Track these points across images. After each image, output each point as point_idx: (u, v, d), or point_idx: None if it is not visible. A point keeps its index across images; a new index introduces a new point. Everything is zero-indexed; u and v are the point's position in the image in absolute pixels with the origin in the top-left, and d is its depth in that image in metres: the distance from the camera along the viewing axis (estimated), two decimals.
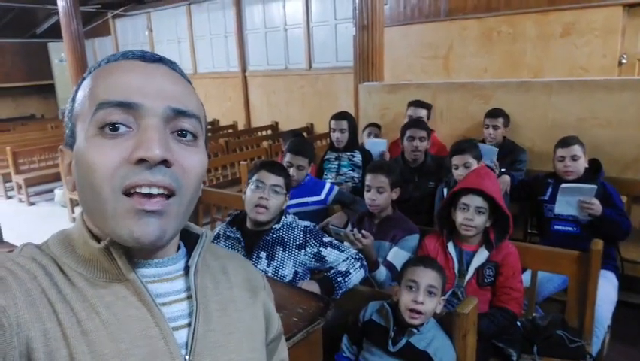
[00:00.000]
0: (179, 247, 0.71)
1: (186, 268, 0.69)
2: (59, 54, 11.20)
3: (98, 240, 0.62)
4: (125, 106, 0.59)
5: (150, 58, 0.65)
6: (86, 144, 0.60)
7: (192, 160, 0.62)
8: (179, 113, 0.62)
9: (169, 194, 0.60)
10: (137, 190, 0.58)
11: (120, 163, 0.58)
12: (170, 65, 0.66)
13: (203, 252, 0.70)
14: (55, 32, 9.64)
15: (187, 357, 0.63)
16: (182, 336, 0.64)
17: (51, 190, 6.52)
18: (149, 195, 0.58)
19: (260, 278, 0.82)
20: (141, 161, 0.57)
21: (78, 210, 5.41)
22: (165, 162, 0.58)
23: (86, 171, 0.59)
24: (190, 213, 0.66)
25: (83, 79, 0.65)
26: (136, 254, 0.64)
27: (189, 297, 0.67)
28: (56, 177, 6.26)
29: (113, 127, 0.59)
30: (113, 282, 0.62)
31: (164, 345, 0.61)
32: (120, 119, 0.59)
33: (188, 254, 0.70)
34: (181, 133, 0.62)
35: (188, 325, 0.65)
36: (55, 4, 7.37)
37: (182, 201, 0.62)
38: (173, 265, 0.68)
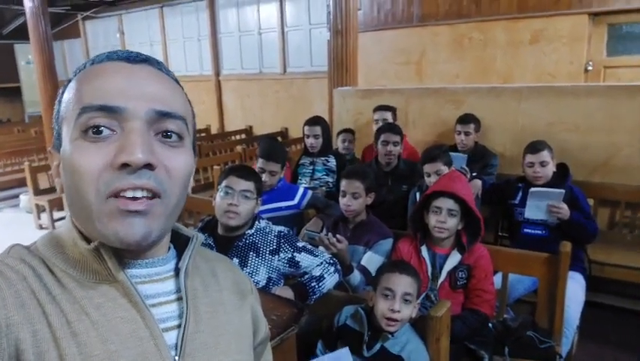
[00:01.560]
0: (169, 249, 0.71)
1: (176, 270, 0.69)
2: (26, 56, 10.89)
3: (88, 241, 0.62)
4: (108, 110, 0.59)
5: (135, 58, 0.64)
6: (70, 148, 0.60)
7: (177, 161, 0.62)
8: (164, 115, 0.62)
9: (153, 197, 0.60)
10: (122, 194, 0.58)
11: (104, 167, 0.58)
12: (157, 65, 0.66)
13: (194, 254, 0.71)
14: (22, 33, 9.35)
15: (177, 358, 0.63)
16: (171, 337, 0.64)
17: (16, 196, 6.32)
18: (133, 198, 0.58)
19: (247, 282, 0.82)
20: (124, 165, 0.57)
21: (44, 216, 5.26)
22: (149, 166, 0.58)
23: (71, 174, 0.59)
24: (178, 215, 0.66)
25: (69, 81, 0.65)
26: (126, 254, 0.64)
27: (179, 298, 0.67)
28: (21, 183, 6.06)
29: (97, 130, 0.59)
30: (103, 283, 0.62)
31: (154, 346, 0.61)
32: (103, 123, 0.59)
33: (178, 256, 0.71)
34: (166, 134, 0.62)
35: (178, 326, 0.65)
36: (22, 4, 7.17)
37: (167, 203, 0.62)
38: (163, 266, 0.68)
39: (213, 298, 0.72)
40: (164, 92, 0.63)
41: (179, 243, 0.72)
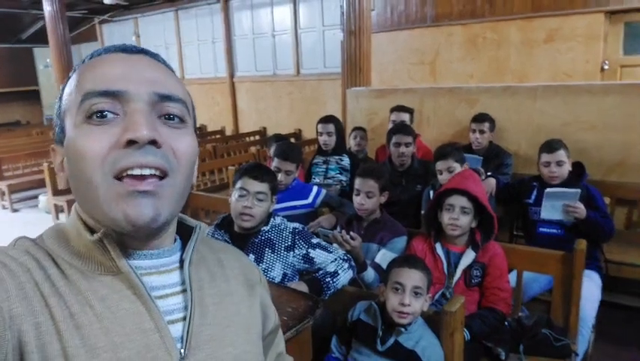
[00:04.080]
0: (175, 240, 0.71)
1: (182, 261, 0.69)
2: (45, 59, 11.10)
3: (92, 232, 0.62)
4: (111, 94, 0.59)
5: (132, 50, 0.66)
6: (74, 133, 0.60)
7: (182, 142, 0.63)
8: (165, 98, 0.62)
9: (161, 175, 0.60)
10: (129, 173, 0.58)
11: (110, 148, 0.58)
12: (153, 55, 0.67)
13: (198, 244, 0.70)
14: (40, 37, 9.55)
15: (182, 351, 0.62)
16: (177, 330, 0.64)
17: (35, 197, 6.43)
18: (141, 177, 0.58)
19: (256, 271, 0.82)
20: (130, 143, 0.58)
21: (63, 216, 5.35)
22: (154, 143, 0.59)
23: (77, 159, 0.59)
24: (185, 199, 0.66)
25: (69, 78, 0.66)
26: (131, 245, 0.64)
27: (185, 290, 0.67)
28: (41, 184, 6.16)
29: (100, 114, 0.59)
30: (107, 275, 0.62)
31: (159, 339, 0.61)
32: (107, 107, 0.59)
33: (184, 247, 0.70)
34: (168, 117, 0.63)
35: (184, 318, 0.65)
36: (41, 9, 7.32)
37: (175, 183, 0.62)
38: (169, 257, 0.68)
39: (220, 288, 0.71)
40: (163, 78, 0.64)
41: (184, 234, 0.71)
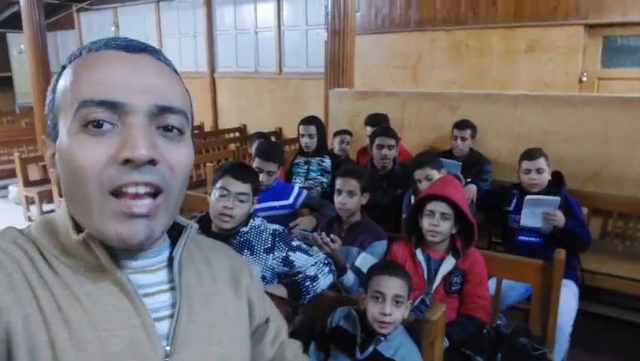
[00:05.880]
0: (164, 239, 0.71)
1: (170, 259, 0.69)
2: (19, 46, 10.76)
3: (80, 230, 0.62)
4: (109, 105, 0.58)
5: (135, 48, 0.63)
6: (69, 141, 0.59)
7: (179, 155, 0.62)
8: (165, 110, 0.61)
9: (156, 192, 0.60)
10: (124, 190, 0.57)
11: (106, 162, 0.57)
12: (156, 54, 0.65)
13: (188, 243, 0.70)
14: (15, 22, 9.23)
15: (168, 348, 0.63)
16: (164, 327, 0.64)
17: (5, 187, 6.23)
18: (137, 195, 0.58)
19: (244, 267, 0.81)
20: (127, 161, 0.57)
21: (34, 208, 5.18)
22: (152, 161, 0.58)
23: (72, 168, 0.58)
24: (178, 208, 0.65)
25: (63, 67, 0.63)
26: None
27: (172, 288, 0.67)
28: (11, 174, 5.95)
29: (97, 124, 0.58)
30: (95, 272, 0.62)
31: (145, 336, 0.61)
32: (104, 117, 0.58)
33: (173, 245, 0.70)
34: (167, 128, 0.62)
35: (171, 316, 0.65)
36: None
37: (170, 197, 0.62)
38: (156, 257, 0.68)
39: (207, 288, 0.72)
40: (165, 85, 0.62)
41: (174, 231, 0.71)
